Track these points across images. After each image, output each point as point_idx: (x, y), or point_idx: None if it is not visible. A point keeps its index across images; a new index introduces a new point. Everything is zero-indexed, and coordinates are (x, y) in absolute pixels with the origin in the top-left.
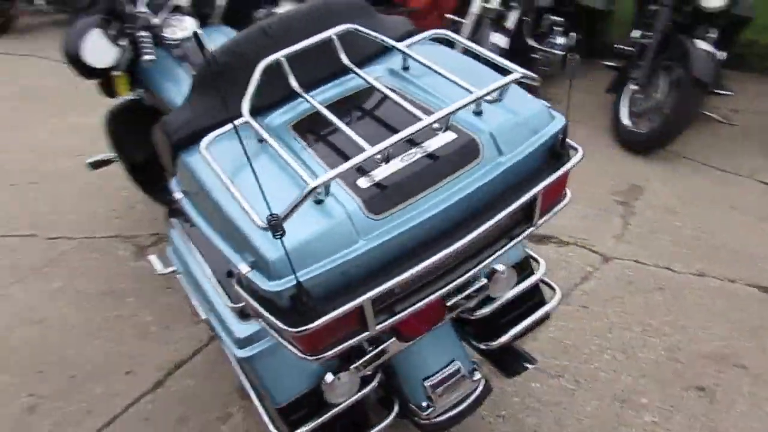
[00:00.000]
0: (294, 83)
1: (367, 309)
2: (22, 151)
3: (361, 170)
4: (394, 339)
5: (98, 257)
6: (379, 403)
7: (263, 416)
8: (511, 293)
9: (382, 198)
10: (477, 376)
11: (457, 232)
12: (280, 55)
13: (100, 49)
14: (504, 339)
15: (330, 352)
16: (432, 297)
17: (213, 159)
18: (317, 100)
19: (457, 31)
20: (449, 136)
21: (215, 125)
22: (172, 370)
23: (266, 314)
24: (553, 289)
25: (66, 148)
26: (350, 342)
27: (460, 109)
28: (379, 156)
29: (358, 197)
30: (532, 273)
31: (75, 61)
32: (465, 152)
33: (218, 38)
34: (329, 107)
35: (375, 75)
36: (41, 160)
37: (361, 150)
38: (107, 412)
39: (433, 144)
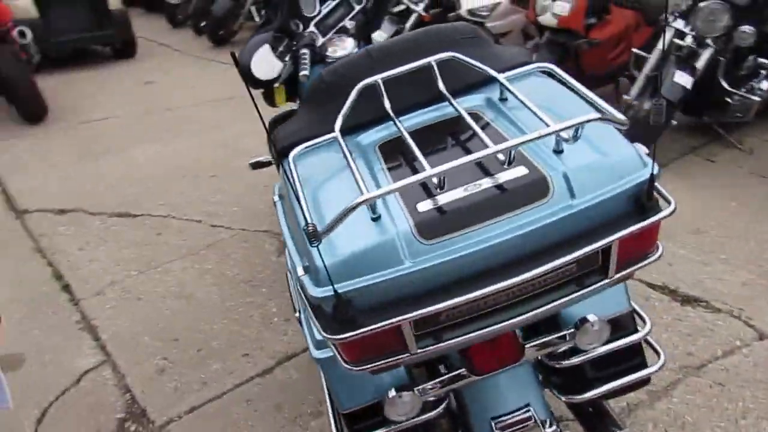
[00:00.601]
0: (387, 106)
1: (406, 330)
2: (214, 147)
3: (428, 194)
4: (464, 370)
5: (248, 248)
6: None
7: (330, 418)
8: (603, 348)
9: (436, 223)
10: (552, 428)
11: (512, 270)
12: (377, 77)
13: (266, 63)
14: (588, 395)
15: (371, 365)
16: (483, 332)
17: (296, 168)
18: (408, 124)
19: (640, 67)
20: (520, 171)
21: (313, 137)
22: (282, 360)
23: (312, 317)
24: (657, 353)
25: (246, 148)
26: (392, 360)
27: (525, 143)
28: (436, 181)
29: (412, 219)
30: (634, 331)
31: (245, 72)
32: (532, 190)
33: None
34: (416, 132)
35: (471, 104)
36: (224, 157)
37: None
38: (219, 387)
39: (501, 177)
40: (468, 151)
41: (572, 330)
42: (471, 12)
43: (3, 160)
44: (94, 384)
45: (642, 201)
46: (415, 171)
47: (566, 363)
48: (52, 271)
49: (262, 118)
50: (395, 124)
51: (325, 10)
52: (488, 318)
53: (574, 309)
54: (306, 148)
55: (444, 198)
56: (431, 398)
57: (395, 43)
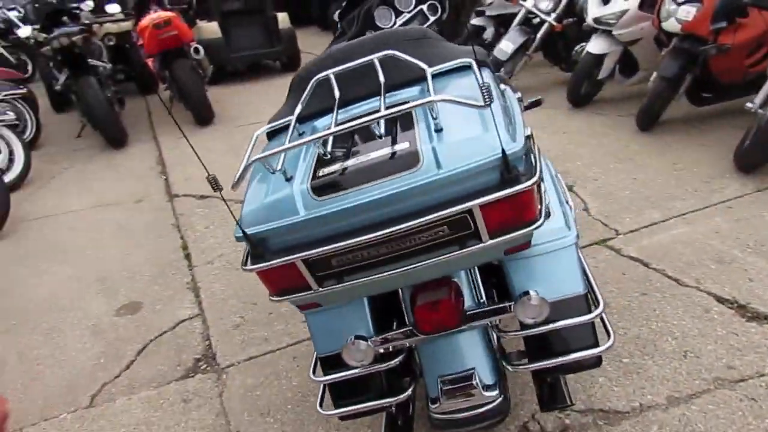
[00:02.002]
0: (336, 96)
1: (303, 269)
2: None
3: (330, 163)
4: (411, 328)
5: None
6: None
7: (312, 361)
8: (552, 326)
9: (327, 184)
10: (492, 392)
11: (384, 226)
12: (329, 72)
13: None
14: (523, 367)
15: (287, 297)
16: (372, 278)
17: (254, 141)
18: (352, 112)
19: None
20: (403, 146)
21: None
22: None
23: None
24: (609, 334)
25: None
26: (302, 295)
27: (389, 115)
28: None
29: (311, 181)
30: (587, 312)
31: None
32: (405, 161)
33: None
34: (352, 119)
35: (405, 95)
36: None
37: (343, 147)
38: (275, 344)
39: (386, 151)
40: (374, 134)
41: (511, 303)
42: (597, 20)
43: (173, 155)
44: (186, 331)
45: (505, 174)
46: (337, 146)
47: (510, 335)
48: (181, 243)
49: None
50: (334, 112)
51: (400, 22)
52: (378, 267)
53: (525, 285)
54: (270, 127)
55: (339, 166)
56: (385, 350)
57: (354, 44)
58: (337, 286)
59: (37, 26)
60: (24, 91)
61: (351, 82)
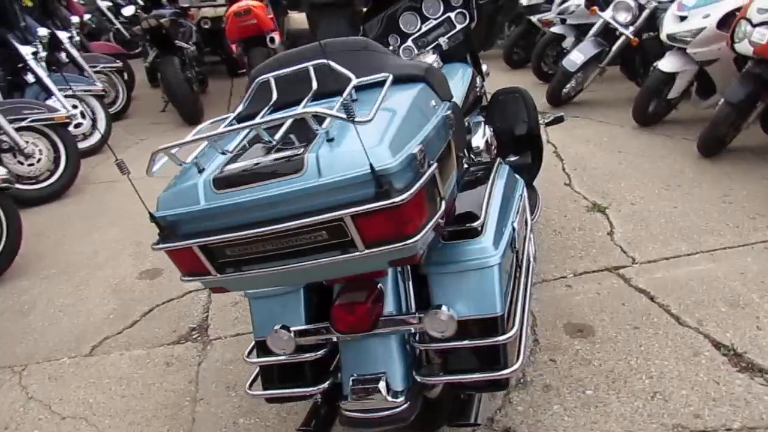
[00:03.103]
0: (273, 98)
1: (200, 255)
2: None
3: (234, 161)
4: (327, 325)
5: None
6: None
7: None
8: (454, 344)
9: (227, 180)
10: (398, 399)
11: (267, 224)
12: (269, 75)
13: None
14: (429, 379)
15: (193, 278)
16: (260, 272)
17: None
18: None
19: None
20: (298, 152)
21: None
22: None
23: None
24: (517, 358)
25: None
26: (203, 278)
27: (277, 122)
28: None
29: (214, 175)
30: (499, 334)
31: None
32: (293, 165)
33: (454, 71)
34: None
35: (332, 103)
36: None
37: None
38: None
39: (281, 155)
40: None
41: (422, 314)
42: (671, 37)
43: None
44: (191, 301)
45: (376, 188)
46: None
47: (418, 345)
48: None
49: None
50: (261, 113)
51: (425, 28)
52: (269, 262)
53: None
54: (212, 122)
55: (244, 164)
56: (307, 342)
57: (301, 49)
58: (233, 275)
59: (140, 6)
60: (118, 64)
61: (290, 86)
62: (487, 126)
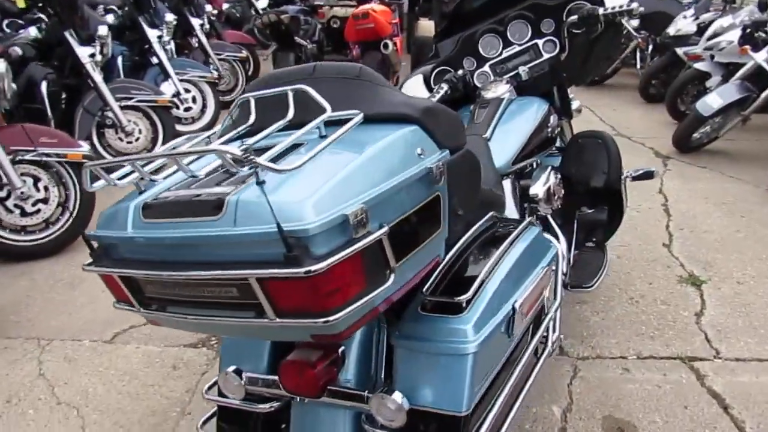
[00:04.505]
0: (251, 121)
1: (121, 284)
2: None
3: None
4: (277, 379)
5: None
6: None
7: None
8: None
9: (154, 209)
10: None
11: (177, 267)
12: (249, 95)
13: (412, 90)
14: None
15: (122, 307)
16: (168, 318)
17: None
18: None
19: None
20: (226, 189)
21: None
22: None
23: None
24: None
25: None
26: (130, 309)
27: (200, 152)
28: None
29: (144, 201)
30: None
31: None
32: (212, 206)
33: (525, 106)
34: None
35: (304, 135)
36: None
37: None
38: None
39: (210, 190)
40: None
41: (366, 393)
42: None
43: None
44: None
45: (285, 251)
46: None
47: (368, 427)
48: None
49: None
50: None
51: (506, 53)
52: (187, 308)
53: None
54: (187, 137)
55: (179, 193)
56: (257, 391)
57: (291, 70)
58: (156, 313)
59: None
60: (242, 54)
61: (270, 109)
62: (553, 172)
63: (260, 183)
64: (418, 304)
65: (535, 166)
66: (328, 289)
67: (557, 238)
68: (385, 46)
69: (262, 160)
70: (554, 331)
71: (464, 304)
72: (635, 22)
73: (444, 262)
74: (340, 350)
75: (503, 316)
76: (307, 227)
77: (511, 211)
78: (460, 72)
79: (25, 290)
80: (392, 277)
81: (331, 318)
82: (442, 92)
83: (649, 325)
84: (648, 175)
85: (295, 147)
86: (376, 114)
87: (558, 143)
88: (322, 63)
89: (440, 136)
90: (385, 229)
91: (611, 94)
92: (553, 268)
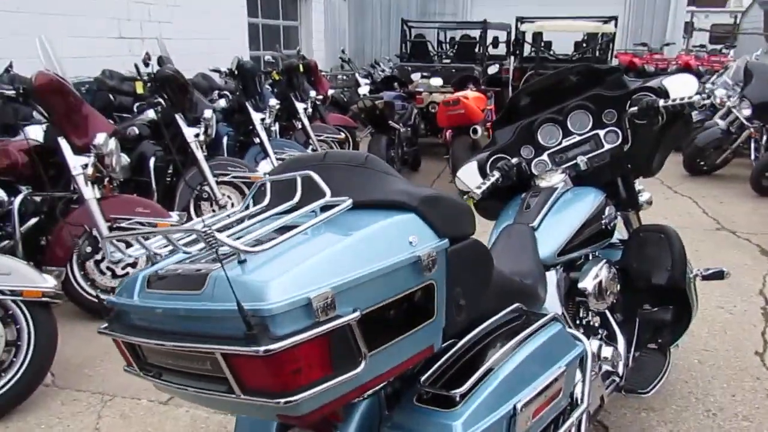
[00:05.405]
0: (265, 202)
1: (124, 348)
2: None
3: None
4: None
5: None
6: None
7: None
8: None
9: (157, 281)
10: None
11: (165, 338)
12: (266, 179)
13: (467, 176)
14: None
15: (130, 371)
16: (175, 387)
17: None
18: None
19: None
20: (213, 267)
21: None
22: None
23: None
24: None
25: None
26: (136, 374)
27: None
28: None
29: (152, 272)
30: None
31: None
32: (199, 280)
33: (579, 197)
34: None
35: (303, 218)
36: None
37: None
38: None
39: (202, 266)
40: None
41: None
42: None
43: None
44: None
45: (246, 330)
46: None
47: None
48: None
49: None
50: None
51: (566, 142)
52: (178, 377)
53: None
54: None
55: (182, 267)
56: None
57: (306, 156)
58: (153, 379)
59: (372, 87)
60: (340, 136)
61: (283, 192)
62: (607, 266)
63: (241, 262)
64: (414, 394)
65: (590, 258)
66: (289, 370)
67: (614, 336)
68: (474, 131)
69: (222, 237)
70: None
71: (458, 398)
72: (747, 111)
73: (452, 352)
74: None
75: (502, 414)
76: (268, 307)
77: (553, 304)
78: (515, 160)
79: (104, 347)
80: (363, 364)
81: (292, 399)
82: (493, 179)
83: None
84: (718, 275)
85: (288, 229)
86: (374, 200)
87: (621, 236)
88: (332, 150)
89: (440, 225)
90: (356, 314)
91: (720, 185)
92: (580, 368)
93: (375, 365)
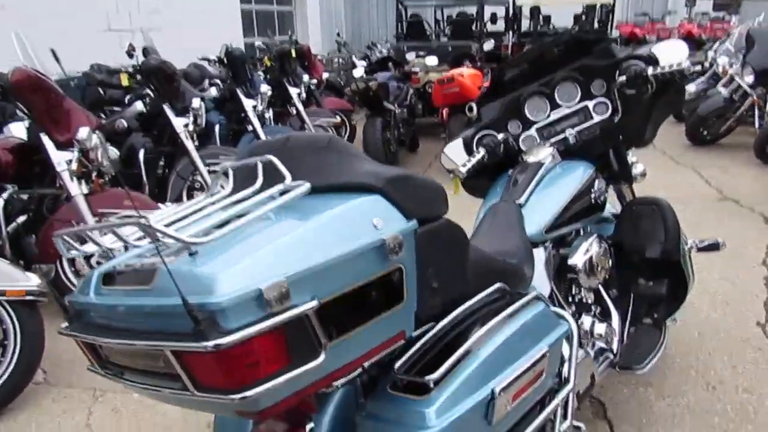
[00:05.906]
0: (228, 190)
1: (84, 348)
2: None
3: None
4: None
5: None
6: None
7: None
8: None
9: (112, 277)
10: None
11: (115, 335)
12: (226, 165)
13: (453, 154)
14: None
15: (93, 370)
16: (132, 384)
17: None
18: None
19: None
20: (167, 260)
21: None
22: None
23: None
24: None
25: None
26: (99, 373)
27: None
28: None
29: (107, 269)
30: None
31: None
32: (146, 274)
33: (568, 171)
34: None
35: (253, 203)
36: None
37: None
38: None
39: (156, 260)
40: None
41: None
42: None
43: None
44: None
45: (193, 325)
46: None
47: None
48: None
49: None
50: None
51: (554, 116)
52: (135, 375)
53: None
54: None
55: (136, 261)
56: None
57: (271, 141)
58: (114, 378)
59: (367, 69)
60: (336, 120)
61: (246, 178)
62: (598, 241)
63: (192, 254)
64: (389, 382)
65: (581, 233)
66: (243, 364)
67: (608, 312)
68: (470, 109)
69: (162, 228)
70: (565, 419)
71: (431, 385)
72: (750, 78)
73: (427, 338)
74: (308, 426)
75: (479, 400)
76: (216, 300)
77: (542, 282)
78: (501, 136)
79: None
80: (323, 354)
81: (248, 394)
82: (478, 157)
83: (724, 416)
84: (714, 247)
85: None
86: (338, 183)
87: (614, 210)
88: (294, 134)
89: (409, 205)
90: (313, 303)
91: (723, 153)
92: (564, 347)
93: (340, 354)
